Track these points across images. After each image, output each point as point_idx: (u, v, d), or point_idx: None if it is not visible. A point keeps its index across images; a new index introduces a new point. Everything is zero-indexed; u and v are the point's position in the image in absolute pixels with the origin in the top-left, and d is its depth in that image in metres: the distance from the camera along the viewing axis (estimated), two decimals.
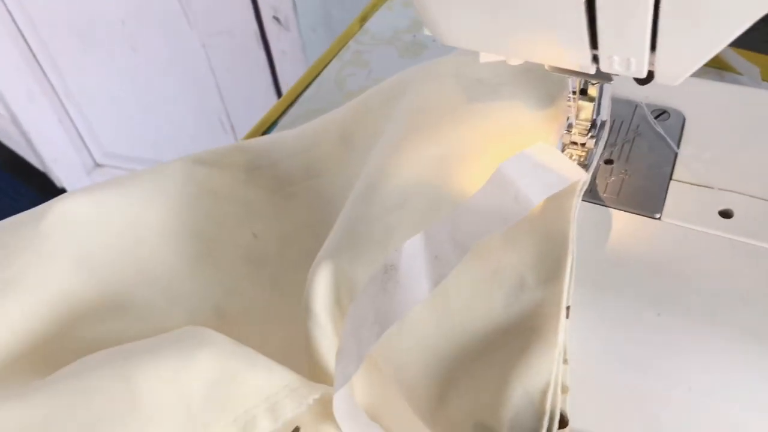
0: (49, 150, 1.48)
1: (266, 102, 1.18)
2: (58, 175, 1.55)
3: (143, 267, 0.44)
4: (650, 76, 0.27)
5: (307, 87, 0.61)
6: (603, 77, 0.30)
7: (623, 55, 0.25)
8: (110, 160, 1.49)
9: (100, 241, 0.43)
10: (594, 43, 0.25)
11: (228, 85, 1.19)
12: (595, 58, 0.27)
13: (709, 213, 0.34)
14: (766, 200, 0.34)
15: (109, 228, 0.44)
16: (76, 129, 1.44)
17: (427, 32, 0.31)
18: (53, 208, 0.42)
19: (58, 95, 1.37)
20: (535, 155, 0.34)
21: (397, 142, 0.40)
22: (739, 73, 0.54)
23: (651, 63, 0.26)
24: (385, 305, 0.33)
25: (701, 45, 0.23)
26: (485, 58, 0.32)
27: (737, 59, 0.54)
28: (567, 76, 0.32)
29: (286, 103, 0.61)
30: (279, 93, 1.15)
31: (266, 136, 0.50)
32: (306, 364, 0.39)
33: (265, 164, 0.49)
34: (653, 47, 0.24)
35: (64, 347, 0.39)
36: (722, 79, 0.55)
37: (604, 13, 0.23)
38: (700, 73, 0.55)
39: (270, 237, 0.48)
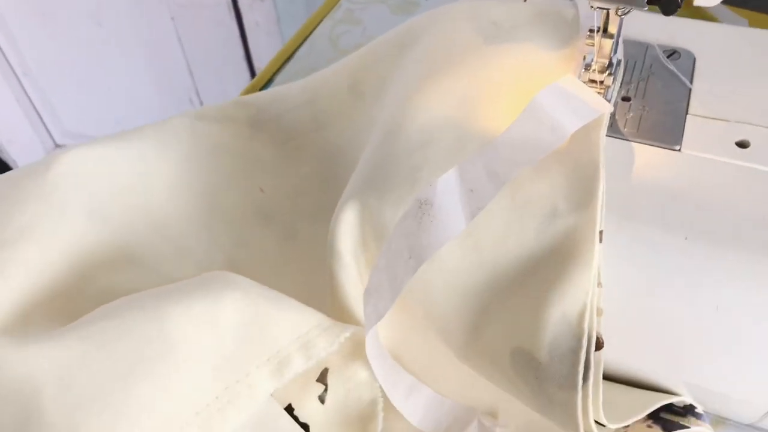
0: (4, 130, 1.43)
1: (238, 77, 1.16)
2: (15, 157, 1.49)
3: (153, 219, 0.43)
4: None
5: (300, 45, 0.60)
6: (637, 2, 0.31)
7: None
8: (71, 140, 1.45)
9: (110, 192, 0.42)
10: None
11: (198, 60, 1.17)
12: None
13: (726, 144, 0.36)
14: None
15: (117, 180, 0.43)
16: (34, 107, 1.39)
17: None
18: (59, 159, 0.41)
19: (14, 71, 1.32)
20: (565, 86, 0.35)
21: (417, 84, 0.40)
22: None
23: None
24: (421, 240, 0.33)
25: None
26: None
27: (727, 13, 0.56)
28: (596, 6, 0.33)
29: (278, 63, 0.60)
30: (251, 67, 1.14)
31: (269, 90, 0.50)
32: (329, 308, 0.39)
33: (269, 118, 0.49)
34: None
35: (81, 296, 0.38)
36: None
37: None
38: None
39: (279, 190, 0.47)
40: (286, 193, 0.47)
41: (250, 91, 0.59)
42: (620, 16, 0.34)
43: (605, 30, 0.36)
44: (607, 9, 0.35)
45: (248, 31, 1.07)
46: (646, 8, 0.32)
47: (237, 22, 1.06)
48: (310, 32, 0.61)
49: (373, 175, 0.37)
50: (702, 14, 0.56)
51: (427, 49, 0.42)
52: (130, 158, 0.43)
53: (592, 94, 0.35)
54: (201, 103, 1.25)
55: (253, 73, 1.14)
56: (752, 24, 0.56)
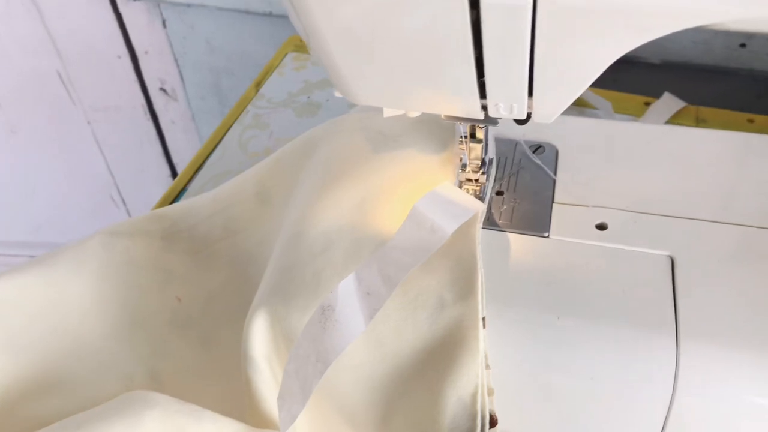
0: None
1: (159, 173, 1.18)
2: None
3: (71, 342, 0.45)
4: (528, 117, 0.33)
5: (211, 152, 0.64)
6: (490, 121, 0.36)
7: (507, 102, 0.31)
8: None
9: (25, 322, 0.44)
10: (482, 94, 0.31)
11: (117, 160, 1.18)
12: (484, 107, 0.32)
13: (587, 227, 0.41)
14: (631, 212, 0.41)
15: (33, 308, 0.44)
16: None
17: (337, 94, 0.35)
18: None
19: None
20: (441, 192, 0.39)
21: (317, 192, 0.43)
22: (596, 108, 0.63)
23: (529, 106, 0.32)
24: (326, 344, 0.36)
25: (568, 88, 0.29)
26: (389, 113, 0.37)
27: (593, 96, 0.63)
28: (459, 123, 0.38)
29: (193, 169, 0.63)
30: (171, 163, 1.16)
31: (181, 202, 0.53)
32: (247, 413, 0.41)
33: (182, 229, 0.51)
34: (530, 93, 0.30)
35: (4, 430, 0.39)
36: (583, 114, 0.64)
37: (490, 70, 0.28)
38: (565, 111, 0.63)
39: (195, 298, 0.50)
40: (202, 300, 0.49)
41: (166, 198, 0.61)
42: (482, 128, 0.39)
43: (473, 136, 0.41)
44: None
45: (165, 129, 1.10)
46: (498, 124, 0.37)
47: (153, 122, 1.09)
48: (221, 138, 0.65)
49: (280, 280, 0.41)
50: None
51: (325, 158, 0.46)
52: (45, 284, 0.45)
53: (466, 196, 0.40)
54: (123, 202, 1.26)
55: (172, 167, 1.17)
56: (617, 104, 0.63)
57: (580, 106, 0.63)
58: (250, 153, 0.63)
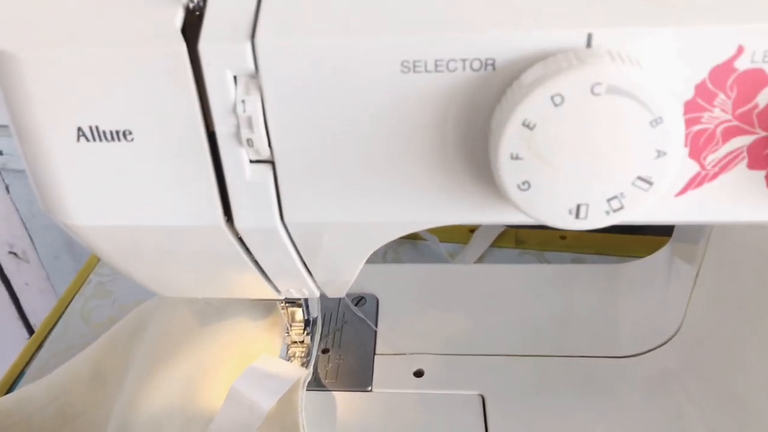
0: None
1: (15, 336, 1.12)
2: None
3: None
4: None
5: (53, 326, 0.62)
6: (291, 300, 0.38)
7: (296, 287, 0.34)
8: None
9: None
10: (273, 285, 0.34)
11: None
12: (279, 290, 0.35)
13: (406, 376, 0.43)
14: (444, 355, 0.44)
15: None
16: None
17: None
18: None
19: None
20: (260, 367, 0.41)
21: (145, 373, 0.44)
22: (425, 239, 0.68)
23: (318, 287, 0.35)
24: None
25: (344, 273, 0.32)
26: None
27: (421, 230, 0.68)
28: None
29: (34, 346, 0.62)
30: (27, 324, 1.11)
31: (15, 392, 0.51)
32: None
33: (18, 421, 0.50)
34: (314, 279, 0.33)
35: None
36: (415, 246, 0.68)
37: (270, 271, 0.31)
38: (394, 245, 0.67)
39: None
40: None
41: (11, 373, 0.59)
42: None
43: (292, 301, 0.43)
44: None
45: (19, 292, 1.06)
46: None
47: (5, 285, 1.05)
48: (62, 313, 0.64)
49: None
50: None
51: (153, 336, 0.47)
52: None
53: (286, 365, 0.42)
54: None
55: (29, 328, 1.12)
56: (443, 234, 0.68)
57: (411, 238, 0.68)
58: (92, 324, 0.62)
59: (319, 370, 0.44)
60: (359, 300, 0.49)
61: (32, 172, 0.26)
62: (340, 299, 0.49)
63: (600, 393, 0.41)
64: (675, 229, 0.45)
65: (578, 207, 0.22)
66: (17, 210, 0.96)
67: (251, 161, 0.25)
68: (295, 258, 0.30)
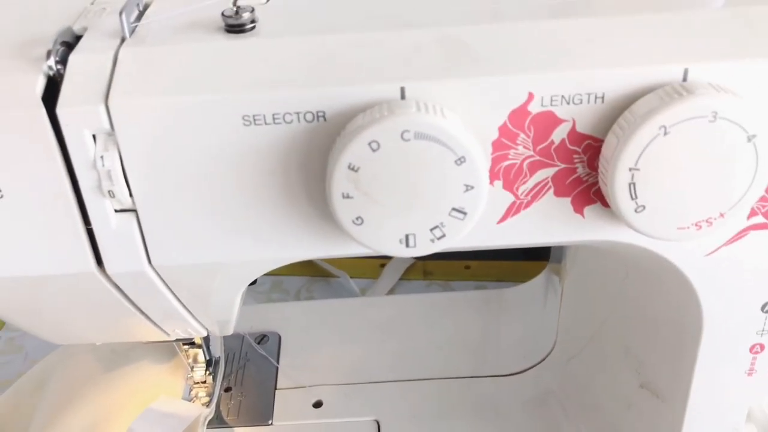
0: None
1: None
2: None
3: None
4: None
5: None
6: (189, 342, 0.40)
7: (182, 327, 0.36)
8: None
9: None
10: (159, 327, 0.35)
11: None
12: (167, 332, 0.37)
13: (305, 408, 0.45)
14: (343, 384, 0.47)
15: None
16: None
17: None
18: None
19: None
20: (158, 408, 0.42)
21: (46, 423, 0.44)
22: (337, 276, 0.70)
23: (203, 326, 0.36)
24: None
25: (223, 311, 0.34)
26: None
27: (331, 267, 0.70)
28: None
29: None
30: None
31: None
32: None
33: None
34: (195, 318, 0.35)
35: None
36: (328, 282, 0.70)
37: (150, 313, 0.33)
38: (307, 284, 0.68)
39: None
40: None
41: None
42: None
43: (192, 343, 0.45)
44: None
45: None
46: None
47: None
48: None
49: None
50: (318, 270, 0.70)
51: (57, 385, 0.48)
52: None
53: (185, 405, 0.43)
54: None
55: None
56: (353, 270, 0.70)
57: (324, 276, 0.70)
58: (2, 381, 0.62)
59: (221, 408, 0.46)
60: (262, 338, 0.50)
61: None
62: (242, 338, 0.51)
63: (488, 411, 0.44)
64: (551, 251, 0.49)
65: (407, 237, 0.25)
66: None
67: (116, 210, 0.27)
68: (172, 300, 0.32)
